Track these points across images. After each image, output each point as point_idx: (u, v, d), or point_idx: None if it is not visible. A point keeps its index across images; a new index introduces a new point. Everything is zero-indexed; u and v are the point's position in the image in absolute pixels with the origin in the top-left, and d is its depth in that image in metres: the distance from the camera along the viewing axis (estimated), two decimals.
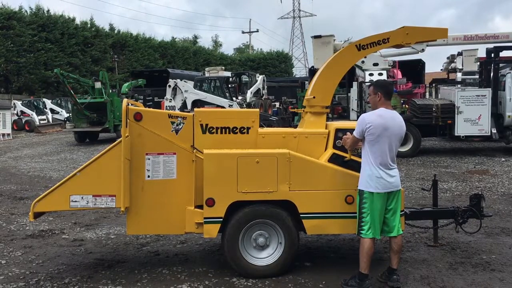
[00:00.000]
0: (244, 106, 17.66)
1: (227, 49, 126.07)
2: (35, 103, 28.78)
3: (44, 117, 27.84)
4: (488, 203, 6.88)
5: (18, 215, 7.07)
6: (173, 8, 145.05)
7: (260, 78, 21.77)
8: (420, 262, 4.68)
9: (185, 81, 17.88)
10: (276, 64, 56.37)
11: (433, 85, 18.73)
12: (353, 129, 4.05)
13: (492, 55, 12.87)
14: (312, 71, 16.18)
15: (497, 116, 12.54)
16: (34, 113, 27.26)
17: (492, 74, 12.74)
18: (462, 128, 12.33)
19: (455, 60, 19.88)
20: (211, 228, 4.15)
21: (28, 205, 6.66)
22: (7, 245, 5.52)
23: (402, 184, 4.77)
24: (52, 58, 34.89)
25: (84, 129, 18.91)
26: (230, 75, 22.34)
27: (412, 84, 17.25)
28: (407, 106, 13.57)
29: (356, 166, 4.18)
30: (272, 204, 4.20)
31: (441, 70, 22.23)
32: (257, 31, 67.65)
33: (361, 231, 3.95)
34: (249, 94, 19.54)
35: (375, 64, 13.78)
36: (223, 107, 15.96)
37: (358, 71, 15.71)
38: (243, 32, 65.51)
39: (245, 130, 4.44)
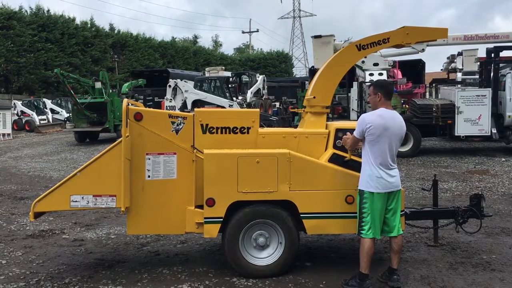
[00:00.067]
0: (244, 106, 17.66)
1: (227, 49, 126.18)
2: (35, 103, 28.79)
3: (44, 117, 27.85)
4: (488, 203, 6.88)
5: (18, 215, 7.07)
6: (173, 8, 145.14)
7: (260, 78, 21.76)
8: (421, 262, 4.68)
9: (185, 81, 17.87)
10: (276, 64, 56.38)
11: (433, 85, 18.73)
12: (353, 129, 4.05)
13: (492, 55, 12.87)
14: (312, 71, 16.18)
15: (497, 116, 12.54)
16: (34, 113, 27.28)
17: (492, 74, 12.74)
18: (462, 128, 12.32)
19: (455, 60, 19.87)
20: (212, 228, 4.15)
21: (28, 205, 6.65)
22: (7, 245, 5.52)
23: (402, 184, 4.77)
24: (52, 58, 34.92)
25: (84, 129, 18.91)
26: (230, 75, 22.33)
27: (412, 84, 17.25)
28: (407, 106, 13.57)
29: (356, 166, 4.19)
30: (272, 204, 4.20)
31: (441, 70, 22.22)
32: (257, 31, 67.72)
33: (361, 231, 3.95)
34: (249, 94, 19.53)
35: (375, 64, 13.78)
36: (223, 107, 15.96)
37: (358, 71, 15.71)
38: (243, 32, 65.60)
39: (245, 130, 4.44)
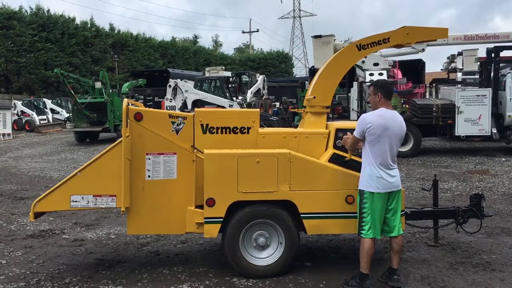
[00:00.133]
0: (245, 106, 17.66)
1: (227, 49, 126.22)
2: (35, 103, 28.79)
3: (44, 117, 27.86)
4: (488, 203, 6.88)
5: (18, 215, 7.07)
6: (173, 8, 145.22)
7: (260, 78, 21.76)
8: (421, 262, 4.68)
9: (185, 81, 17.87)
10: (276, 64, 56.39)
11: (434, 85, 18.72)
12: (354, 129, 4.05)
13: (493, 55, 12.87)
14: (313, 71, 16.18)
15: (497, 116, 12.54)
16: (34, 113, 27.29)
17: (492, 74, 12.73)
18: (462, 128, 12.32)
19: (455, 60, 19.86)
20: (212, 228, 4.15)
21: (28, 205, 6.65)
22: (7, 245, 5.52)
23: (403, 184, 4.77)
24: (52, 58, 34.94)
25: (85, 129, 18.91)
26: (230, 75, 22.32)
27: (412, 84, 17.24)
28: (407, 106, 13.56)
29: (356, 166, 4.18)
30: (272, 204, 4.20)
31: (441, 70, 22.21)
32: (257, 31, 67.81)
33: (361, 231, 3.95)
34: (249, 94, 19.53)
35: (376, 64, 13.77)
36: (223, 107, 15.96)
37: (358, 71, 15.70)
38: (243, 32, 65.63)
39: (246, 130, 4.44)
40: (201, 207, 4.21)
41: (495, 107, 12.43)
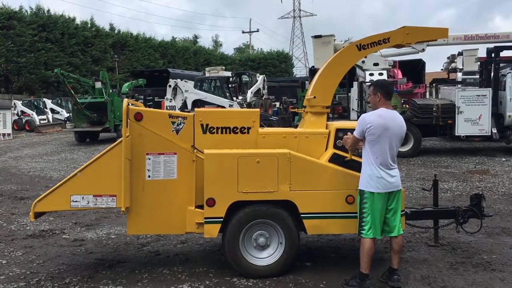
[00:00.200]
0: (245, 106, 17.66)
1: (227, 49, 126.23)
2: (35, 103, 28.78)
3: (44, 117, 27.84)
4: (488, 203, 6.88)
5: (18, 215, 7.07)
6: (173, 8, 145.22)
7: (260, 78, 21.76)
8: (421, 262, 4.68)
9: (185, 81, 17.87)
10: (276, 64, 56.38)
11: (434, 85, 18.72)
12: (354, 129, 4.05)
13: (493, 55, 12.86)
14: (313, 71, 16.19)
15: (497, 116, 12.53)
16: (34, 113, 27.27)
17: (492, 74, 12.73)
18: (462, 128, 12.32)
19: (455, 60, 19.87)
20: (212, 228, 4.15)
21: (28, 205, 6.65)
22: (7, 245, 5.52)
23: (403, 184, 4.77)
24: (52, 58, 34.92)
25: (85, 129, 18.90)
26: (230, 75, 22.32)
27: (413, 84, 17.24)
28: (407, 106, 13.56)
29: (356, 166, 4.18)
30: (272, 204, 4.20)
31: (442, 70, 22.21)
32: (258, 31, 67.86)
33: (361, 231, 3.95)
34: (249, 94, 19.53)
35: (376, 64, 13.78)
36: (223, 107, 15.96)
37: (358, 71, 15.70)
38: (243, 32, 65.64)
39: (246, 130, 4.44)
40: (201, 207, 4.21)
41: (495, 107, 12.42)
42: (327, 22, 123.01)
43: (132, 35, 44.55)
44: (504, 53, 13.16)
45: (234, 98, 17.51)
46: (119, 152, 4.19)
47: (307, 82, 23.83)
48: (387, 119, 3.91)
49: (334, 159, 4.32)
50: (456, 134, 12.45)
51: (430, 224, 5.35)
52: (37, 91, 33.86)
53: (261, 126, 4.58)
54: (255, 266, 4.25)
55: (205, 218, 4.15)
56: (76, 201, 4.23)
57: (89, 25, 40.17)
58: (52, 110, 28.99)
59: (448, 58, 20.63)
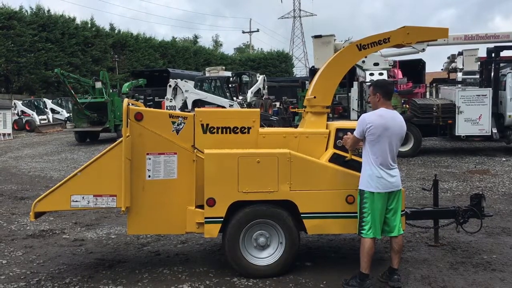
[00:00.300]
0: (245, 106, 17.66)
1: (228, 49, 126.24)
2: (35, 103, 28.78)
3: (44, 117, 27.84)
4: (488, 203, 6.88)
5: (19, 215, 7.07)
6: (173, 8, 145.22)
7: (260, 78, 21.76)
8: (421, 262, 4.67)
9: (185, 81, 17.87)
10: (276, 64, 56.38)
11: (434, 85, 18.71)
12: (354, 129, 4.05)
13: (493, 54, 12.87)
14: (313, 71, 16.18)
15: (497, 116, 12.53)
16: (34, 113, 27.27)
17: (492, 74, 12.73)
18: (462, 128, 12.31)
19: (455, 60, 19.87)
20: (212, 228, 4.15)
21: (28, 205, 6.66)
22: (8, 245, 5.52)
23: (403, 184, 4.77)
24: (52, 58, 34.92)
25: (85, 129, 18.91)
26: (230, 75, 22.33)
27: (413, 84, 17.25)
28: (407, 106, 13.56)
29: (356, 166, 4.18)
30: (272, 204, 4.20)
31: (442, 70, 22.23)
32: (258, 31, 67.87)
33: (361, 231, 3.95)
34: (249, 94, 19.53)
35: (376, 64, 13.78)
36: (223, 107, 15.96)
37: (358, 71, 15.70)
38: (243, 32, 65.68)
39: (246, 130, 4.44)
40: (201, 207, 4.21)
41: (496, 107, 12.42)
42: (327, 22, 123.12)
43: (132, 35, 44.55)
44: (504, 53, 13.17)
45: (234, 98, 17.51)
46: (119, 152, 4.19)
47: (307, 82, 23.84)
48: (387, 119, 3.91)
49: (334, 159, 4.32)
50: (456, 134, 12.45)
51: (430, 224, 5.35)
52: (37, 91, 33.87)
53: (261, 126, 4.58)
54: (255, 266, 4.25)
55: (205, 218, 4.15)
56: (76, 201, 4.23)
57: (89, 25, 40.17)
58: (52, 110, 29.00)
59: (448, 58, 20.64)
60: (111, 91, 19.47)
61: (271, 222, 4.22)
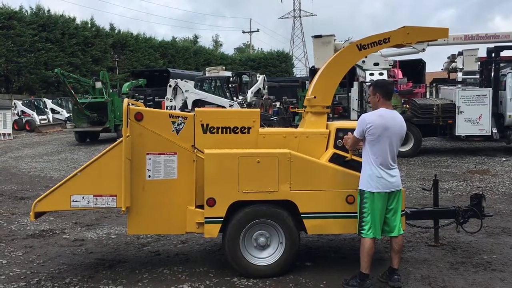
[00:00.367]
0: (245, 106, 17.66)
1: (228, 49, 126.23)
2: (35, 103, 28.77)
3: (44, 117, 27.84)
4: (489, 203, 6.88)
5: (19, 215, 7.07)
6: (174, 8, 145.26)
7: (260, 78, 21.76)
8: (421, 262, 4.67)
9: (185, 81, 17.87)
10: (276, 64, 56.37)
11: (434, 84, 18.72)
12: (354, 129, 4.05)
13: (493, 54, 12.86)
14: (313, 71, 16.20)
15: (497, 116, 12.53)
16: (34, 113, 27.27)
17: (492, 74, 12.73)
18: (462, 128, 12.31)
19: (455, 60, 19.88)
20: (212, 228, 4.15)
21: (29, 205, 6.66)
22: (8, 245, 5.52)
23: (403, 184, 4.77)
24: (52, 58, 34.93)
25: (85, 129, 18.91)
26: (230, 75, 22.32)
27: (413, 83, 17.25)
28: (407, 106, 13.56)
29: (357, 166, 4.18)
30: (273, 204, 4.20)
31: (442, 69, 22.24)
32: (258, 30, 68.07)
33: (361, 231, 3.95)
34: (249, 94, 19.53)
35: (376, 64, 13.78)
36: (223, 107, 15.96)
37: (358, 71, 15.71)
38: (243, 32, 65.71)
39: (246, 130, 4.44)
40: (201, 207, 4.21)
41: (496, 107, 12.42)
42: (327, 22, 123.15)
43: (132, 35, 44.55)
44: (504, 53, 13.16)
45: (235, 98, 17.51)
46: (119, 152, 4.19)
47: (307, 82, 23.84)
48: (387, 119, 3.91)
49: (334, 159, 4.32)
50: (456, 134, 12.44)
51: (430, 224, 5.35)
52: (37, 91, 33.87)
53: (261, 126, 4.58)
54: (256, 266, 4.25)
55: (206, 218, 4.15)
56: (77, 201, 4.23)
57: (89, 25, 40.17)
58: (53, 110, 28.99)
59: (448, 58, 20.65)
60: (111, 91, 19.47)
61: (271, 222, 4.23)
